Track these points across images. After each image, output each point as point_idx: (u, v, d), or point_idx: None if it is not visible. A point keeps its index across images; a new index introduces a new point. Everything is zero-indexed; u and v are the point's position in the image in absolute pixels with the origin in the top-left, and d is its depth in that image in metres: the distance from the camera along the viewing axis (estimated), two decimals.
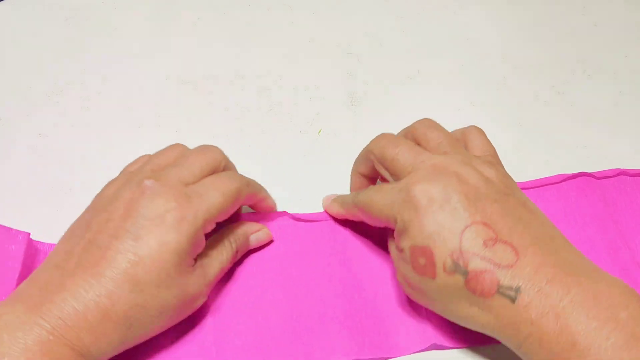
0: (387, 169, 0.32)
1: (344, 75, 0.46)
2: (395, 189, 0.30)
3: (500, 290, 0.26)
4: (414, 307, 0.33)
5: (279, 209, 0.37)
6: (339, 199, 0.36)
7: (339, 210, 0.35)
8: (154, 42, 0.48)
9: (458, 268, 0.27)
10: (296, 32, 0.49)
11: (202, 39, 0.48)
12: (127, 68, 0.46)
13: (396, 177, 0.31)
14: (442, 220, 0.27)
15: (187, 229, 0.29)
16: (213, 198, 0.30)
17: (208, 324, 0.32)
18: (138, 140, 0.42)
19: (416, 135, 0.33)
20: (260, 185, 0.35)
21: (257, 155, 0.41)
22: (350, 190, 0.37)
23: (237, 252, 0.33)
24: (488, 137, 0.34)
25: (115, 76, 0.46)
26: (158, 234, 0.28)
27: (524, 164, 0.40)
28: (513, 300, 0.26)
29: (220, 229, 0.33)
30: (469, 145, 0.33)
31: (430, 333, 0.32)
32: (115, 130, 0.42)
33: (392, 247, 0.32)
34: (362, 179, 0.36)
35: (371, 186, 0.33)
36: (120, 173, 0.34)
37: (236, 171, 0.35)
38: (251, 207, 0.36)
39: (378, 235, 0.35)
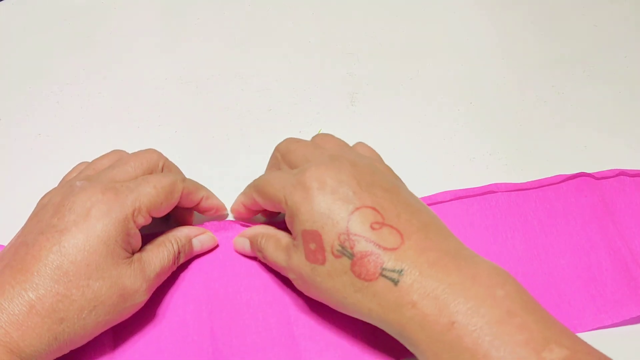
0: (288, 162, 0.33)
1: (344, 75, 0.46)
2: (291, 173, 0.31)
3: (383, 273, 0.27)
4: None
5: None
6: (242, 192, 0.36)
7: (241, 201, 0.35)
8: (153, 42, 0.48)
9: (345, 251, 0.27)
10: (296, 32, 0.49)
11: (202, 39, 0.48)
12: (127, 68, 0.46)
13: (295, 167, 0.32)
14: (332, 203, 0.28)
15: (114, 217, 0.29)
16: (143, 190, 0.30)
17: (205, 323, 0.32)
18: (138, 140, 0.42)
19: (315, 141, 0.34)
20: (200, 184, 0.35)
21: (257, 155, 0.41)
22: None
23: (179, 253, 0.33)
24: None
25: (115, 76, 0.46)
26: (84, 225, 0.28)
27: (524, 164, 0.40)
28: (395, 282, 0.26)
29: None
30: (359, 152, 0.34)
31: None
32: (115, 130, 0.42)
33: (280, 252, 0.31)
34: None
35: (271, 173, 0.34)
36: (59, 183, 0.34)
37: (178, 171, 0.35)
38: (195, 209, 0.35)
39: None
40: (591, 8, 0.51)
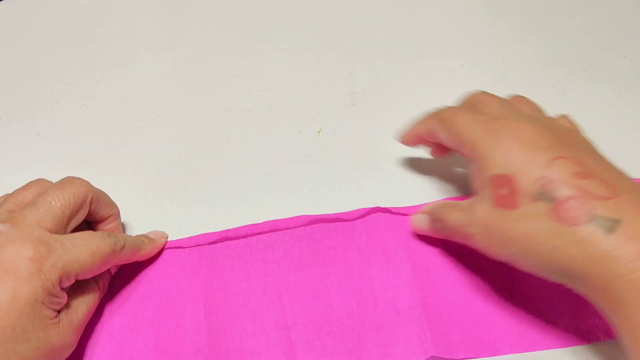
0: (479, 112, 0.31)
1: (344, 75, 0.46)
2: (484, 118, 0.29)
3: (594, 220, 0.23)
4: (414, 317, 0.32)
5: (280, 208, 0.37)
6: (421, 121, 0.34)
7: (416, 130, 0.34)
8: (153, 42, 0.48)
9: (544, 195, 0.25)
10: (296, 31, 0.49)
11: (202, 39, 0.48)
12: (127, 68, 0.46)
13: None
14: (528, 148, 0.26)
15: (43, 279, 0.27)
16: (79, 254, 0.28)
17: (202, 324, 0.32)
18: (138, 141, 0.42)
19: (509, 101, 0.32)
20: (139, 240, 0.33)
21: (256, 155, 0.41)
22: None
23: (102, 288, 0.32)
24: None
25: (115, 76, 0.46)
26: (10, 285, 0.26)
27: None
28: (610, 230, 0.23)
29: None
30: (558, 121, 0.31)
31: (430, 345, 0.31)
32: (115, 130, 0.42)
33: (461, 213, 0.30)
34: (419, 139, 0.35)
35: (459, 109, 0.32)
36: None
37: (108, 201, 0.33)
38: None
39: (374, 248, 0.35)
40: (591, 8, 0.51)
